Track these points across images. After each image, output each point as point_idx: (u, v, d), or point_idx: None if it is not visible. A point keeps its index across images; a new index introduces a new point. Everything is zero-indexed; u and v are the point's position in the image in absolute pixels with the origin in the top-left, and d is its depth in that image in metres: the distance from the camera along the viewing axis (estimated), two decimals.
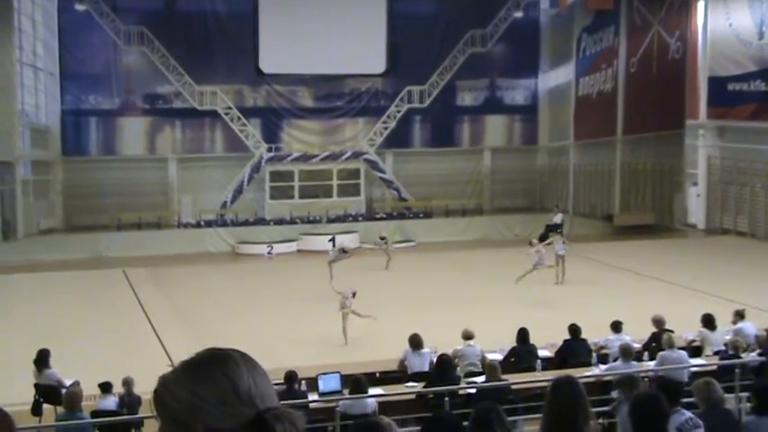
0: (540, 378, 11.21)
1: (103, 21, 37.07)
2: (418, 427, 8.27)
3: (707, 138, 32.41)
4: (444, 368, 11.23)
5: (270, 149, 38.29)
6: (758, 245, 28.54)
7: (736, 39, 29.86)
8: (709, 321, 13.18)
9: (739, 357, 11.27)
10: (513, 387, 10.93)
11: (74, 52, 37.37)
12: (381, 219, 36.50)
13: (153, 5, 38.91)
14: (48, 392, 12.06)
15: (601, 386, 11.05)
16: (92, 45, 37.47)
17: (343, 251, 21.36)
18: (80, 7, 36.55)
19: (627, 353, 11.29)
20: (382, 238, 27.71)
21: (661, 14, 33.03)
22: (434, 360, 11.78)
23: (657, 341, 12.38)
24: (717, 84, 31.04)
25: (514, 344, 12.88)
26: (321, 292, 21.84)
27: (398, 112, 40.06)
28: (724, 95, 30.61)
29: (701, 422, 6.39)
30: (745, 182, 30.27)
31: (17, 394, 12.59)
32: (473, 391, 10.96)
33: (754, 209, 29.93)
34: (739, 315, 13.50)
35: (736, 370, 10.38)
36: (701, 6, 31.87)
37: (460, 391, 10.93)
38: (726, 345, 12.33)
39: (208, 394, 1.76)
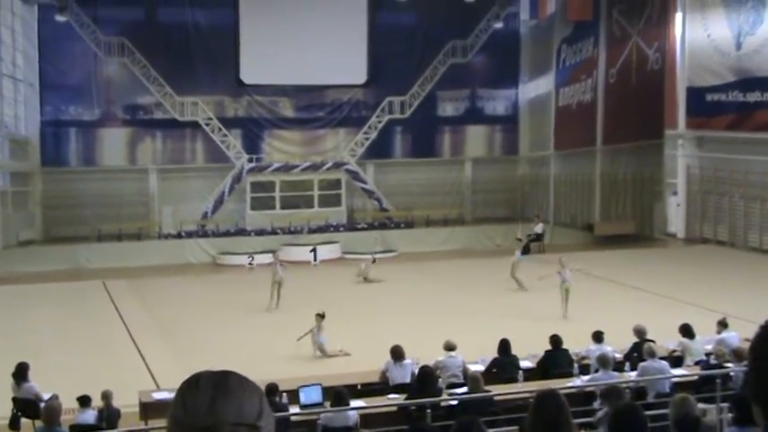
0: (522, 389, 11.20)
1: (84, 32, 36.93)
2: None
3: (686, 148, 32.60)
4: (426, 380, 11.19)
5: (251, 160, 38.21)
6: (737, 254, 28.71)
7: (714, 49, 30.08)
8: (687, 331, 13.22)
9: (722, 367, 11.29)
10: (496, 398, 10.90)
11: (54, 63, 37.21)
12: (363, 229, 36.51)
13: (134, 16, 38.80)
14: (26, 406, 11.94)
15: (582, 397, 11.05)
16: (72, 56, 37.33)
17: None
18: (60, 18, 36.39)
19: (605, 362, 11.31)
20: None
21: (640, 26, 33.24)
22: (416, 371, 11.75)
23: (639, 351, 12.40)
24: (695, 94, 31.26)
25: (496, 355, 12.87)
26: (303, 303, 21.83)
27: (379, 122, 40.09)
28: (703, 106, 30.82)
29: None
30: (724, 191, 30.45)
31: None
32: (455, 402, 10.94)
33: (733, 218, 30.11)
34: (723, 324, 13.53)
35: (717, 380, 10.40)
36: (679, 18, 32.10)
37: (442, 403, 10.90)
38: (707, 355, 12.37)
39: (172, 415, 1.87)
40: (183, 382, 1.90)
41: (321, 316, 16.39)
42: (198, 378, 1.89)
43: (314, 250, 32.25)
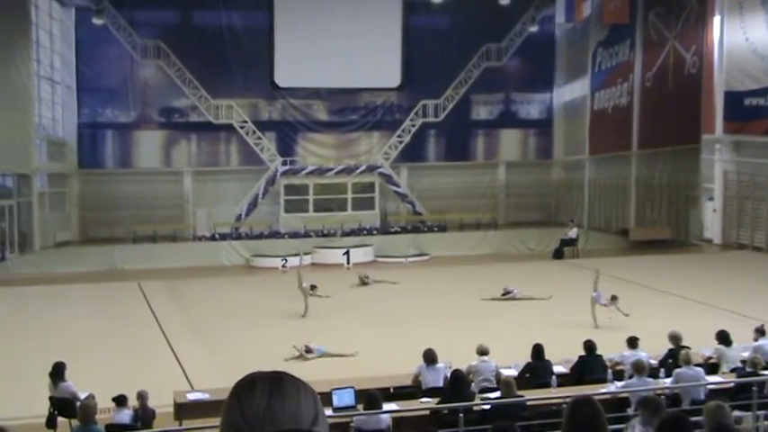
0: (556, 395, 11.14)
1: (120, 34, 37.35)
2: None
3: (723, 152, 32.26)
4: (458, 384, 11.16)
5: (285, 163, 38.40)
6: None
7: (752, 53, 29.74)
8: (724, 338, 13.05)
9: (758, 375, 11.16)
10: (529, 403, 10.85)
11: (91, 66, 37.66)
12: (396, 232, 36.51)
13: (169, 19, 39.20)
14: (63, 405, 12.06)
15: (616, 403, 10.97)
16: (108, 59, 37.76)
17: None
18: (97, 21, 36.86)
19: (640, 369, 11.19)
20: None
21: (677, 29, 32.96)
22: (449, 375, 11.72)
23: (674, 358, 12.27)
24: (733, 98, 30.92)
25: (529, 359, 12.81)
26: (335, 306, 21.90)
27: (413, 125, 40.11)
28: (740, 110, 30.48)
29: None
30: (761, 197, 30.10)
31: (32, 407, 12.62)
32: (487, 407, 10.90)
33: None
34: (760, 332, 13.36)
35: (754, 388, 10.28)
36: (716, 21, 31.76)
37: (475, 408, 10.87)
38: (744, 362, 12.22)
39: (226, 419, 1.83)
40: (239, 386, 1.87)
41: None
42: (253, 381, 1.86)
43: (347, 253, 32.29)
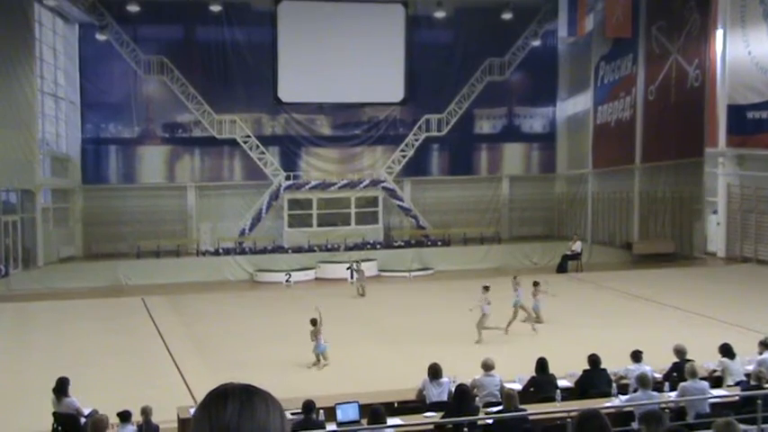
0: (560, 409, 11.10)
1: (124, 50, 37.47)
2: None
3: (726, 166, 32.25)
4: (463, 398, 11.12)
5: (288, 177, 38.45)
6: None
7: (755, 66, 29.76)
8: (726, 350, 13.01)
9: (763, 388, 11.11)
10: (534, 417, 10.81)
11: (94, 81, 37.79)
12: (399, 247, 36.47)
13: (173, 35, 39.33)
14: (66, 421, 12.04)
15: (622, 417, 10.92)
16: (112, 74, 37.91)
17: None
18: (101, 37, 37.03)
19: (644, 382, 11.15)
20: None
21: (679, 43, 33.00)
22: (453, 390, 11.68)
23: (679, 371, 12.23)
24: (736, 112, 30.92)
25: (534, 374, 12.78)
26: (339, 320, 21.86)
27: (416, 140, 40.17)
28: (743, 123, 30.47)
29: None
30: (765, 210, 30.06)
31: (36, 422, 12.61)
32: (491, 421, 10.86)
33: None
34: (765, 345, 13.30)
35: (759, 401, 10.24)
36: (719, 34, 31.81)
37: (479, 422, 10.83)
38: (748, 375, 12.17)
39: (194, 430, 1.90)
40: (210, 399, 1.92)
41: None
42: (225, 396, 1.91)
43: (350, 268, 32.28)
